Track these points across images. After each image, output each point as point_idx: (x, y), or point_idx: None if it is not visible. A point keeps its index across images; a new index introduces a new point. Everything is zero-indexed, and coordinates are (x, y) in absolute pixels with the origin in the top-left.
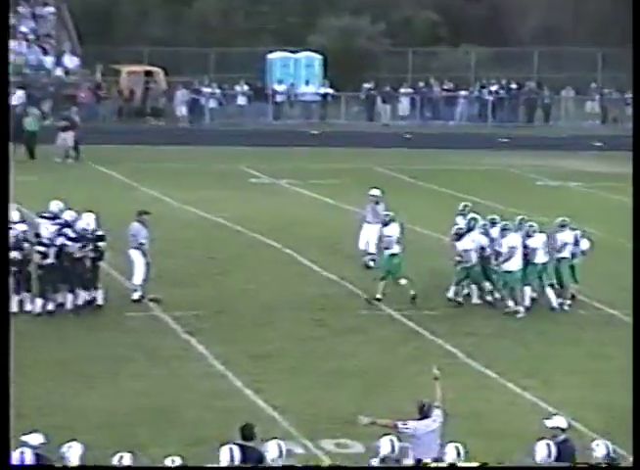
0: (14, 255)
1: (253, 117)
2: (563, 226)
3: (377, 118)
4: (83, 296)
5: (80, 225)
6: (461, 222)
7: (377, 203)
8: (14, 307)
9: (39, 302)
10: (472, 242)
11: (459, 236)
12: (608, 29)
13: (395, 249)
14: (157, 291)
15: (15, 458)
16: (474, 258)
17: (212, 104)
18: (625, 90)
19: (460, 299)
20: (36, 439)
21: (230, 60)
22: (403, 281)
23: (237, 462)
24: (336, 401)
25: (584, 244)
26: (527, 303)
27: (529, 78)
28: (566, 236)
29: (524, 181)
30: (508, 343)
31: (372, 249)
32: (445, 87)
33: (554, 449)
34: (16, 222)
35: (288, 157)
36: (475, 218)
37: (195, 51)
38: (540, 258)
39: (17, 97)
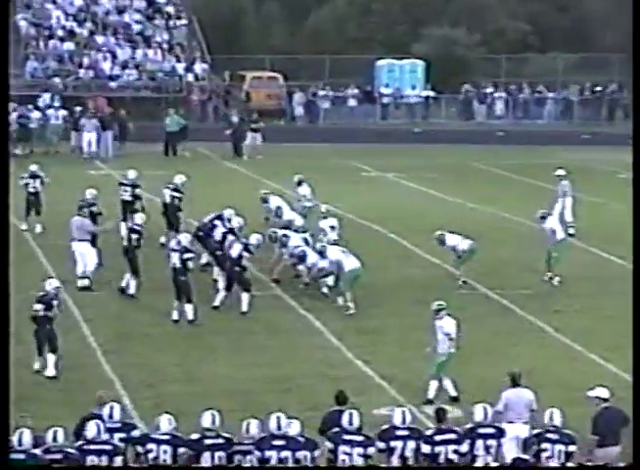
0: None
1: (362, 118)
2: (543, 218)
3: (473, 118)
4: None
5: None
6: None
7: (561, 179)
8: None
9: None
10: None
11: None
12: None
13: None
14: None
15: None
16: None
17: (326, 105)
18: None
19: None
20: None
21: (342, 66)
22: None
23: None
24: None
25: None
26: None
27: (611, 81)
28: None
29: (605, 174)
30: (591, 319)
31: (569, 218)
32: (535, 90)
33: None
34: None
35: (393, 153)
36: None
37: (311, 58)
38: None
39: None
